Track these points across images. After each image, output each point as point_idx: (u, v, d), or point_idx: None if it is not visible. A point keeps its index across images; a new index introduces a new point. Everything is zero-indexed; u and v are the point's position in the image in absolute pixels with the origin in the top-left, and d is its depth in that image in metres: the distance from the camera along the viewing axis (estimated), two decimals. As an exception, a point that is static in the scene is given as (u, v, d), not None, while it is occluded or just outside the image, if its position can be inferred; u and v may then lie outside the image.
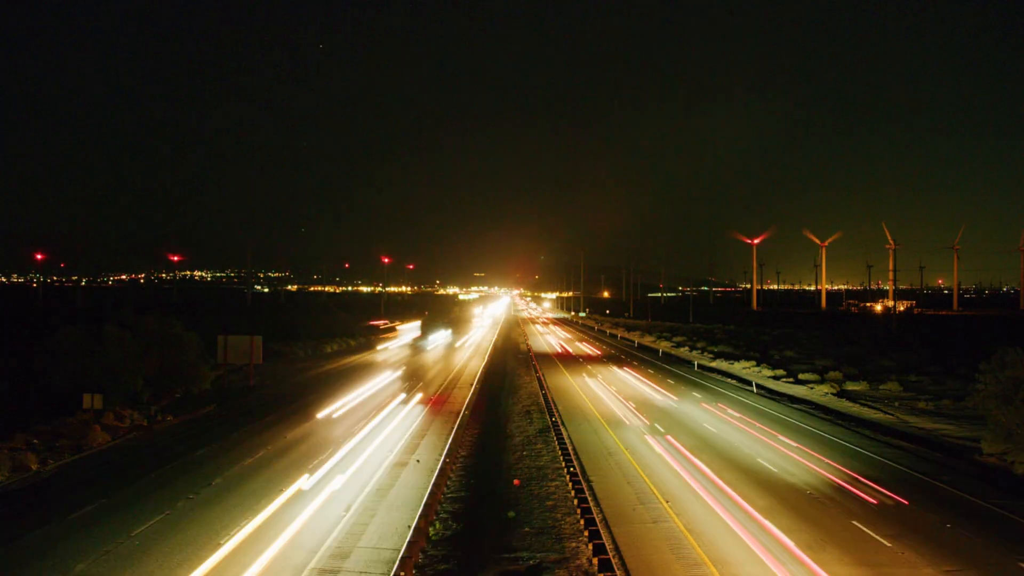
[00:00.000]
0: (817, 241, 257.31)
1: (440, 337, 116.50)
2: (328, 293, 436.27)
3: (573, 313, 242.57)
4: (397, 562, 22.16)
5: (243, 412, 49.57)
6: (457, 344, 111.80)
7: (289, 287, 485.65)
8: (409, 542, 23.83)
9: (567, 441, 40.71)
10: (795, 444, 41.23)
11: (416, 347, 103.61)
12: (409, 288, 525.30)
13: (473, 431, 44.81)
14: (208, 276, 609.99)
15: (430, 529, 26.20)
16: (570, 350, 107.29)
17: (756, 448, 40.02)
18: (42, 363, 47.09)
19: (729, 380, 73.32)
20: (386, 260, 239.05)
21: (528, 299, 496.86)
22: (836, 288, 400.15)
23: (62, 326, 49.08)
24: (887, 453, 39.54)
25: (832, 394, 61.70)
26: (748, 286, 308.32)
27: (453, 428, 43.23)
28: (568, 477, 33.08)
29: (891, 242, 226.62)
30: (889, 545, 24.94)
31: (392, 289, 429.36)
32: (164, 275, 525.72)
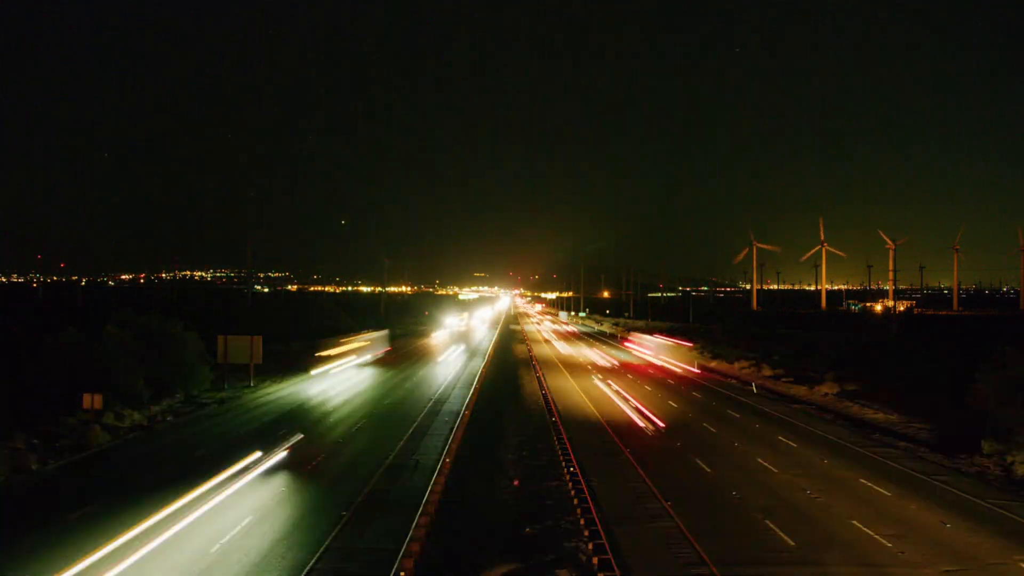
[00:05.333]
0: (822, 238, 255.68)
1: None
2: (328, 293, 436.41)
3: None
4: None
5: (243, 412, 49.57)
6: None
7: (289, 287, 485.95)
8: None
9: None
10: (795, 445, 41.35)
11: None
12: (409, 288, 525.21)
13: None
14: (208, 276, 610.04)
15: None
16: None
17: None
18: (42, 363, 47.07)
19: (729, 380, 73.36)
20: (386, 260, 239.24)
21: (528, 299, 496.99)
22: (836, 288, 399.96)
23: (62, 326, 49.09)
24: (888, 453, 39.60)
25: (832, 394, 61.69)
26: (748, 286, 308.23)
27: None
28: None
29: (890, 243, 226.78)
30: (890, 545, 25.00)
31: (392, 289, 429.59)
32: (164, 275, 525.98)
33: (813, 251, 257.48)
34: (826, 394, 62.02)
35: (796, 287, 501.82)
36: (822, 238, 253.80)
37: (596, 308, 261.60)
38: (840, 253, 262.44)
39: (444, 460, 34.80)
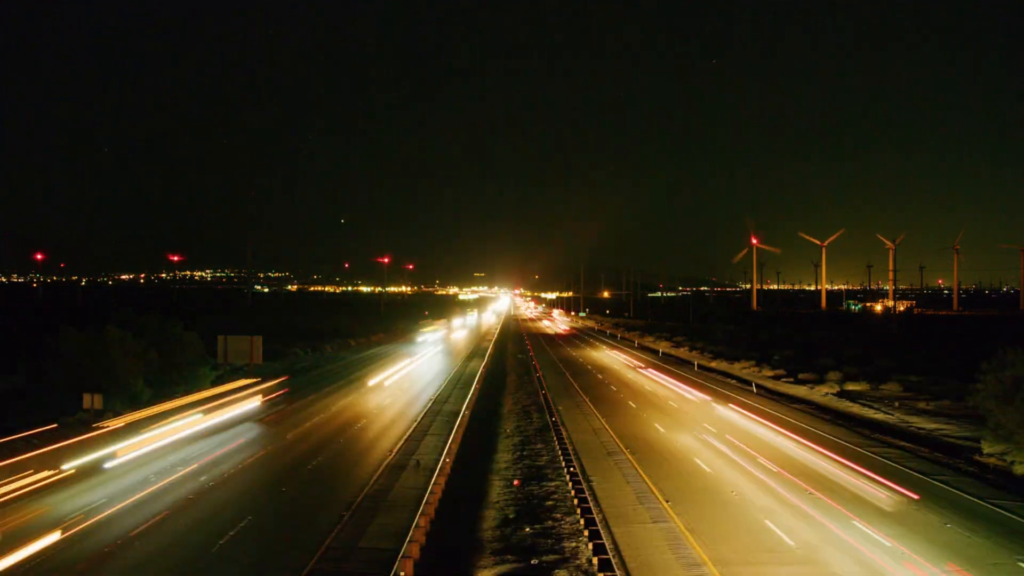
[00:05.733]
0: (817, 242, 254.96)
1: None
2: (328, 293, 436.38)
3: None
4: None
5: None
6: None
7: (289, 287, 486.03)
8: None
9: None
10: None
11: None
12: (409, 288, 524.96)
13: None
14: (208, 276, 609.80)
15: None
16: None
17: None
18: (42, 363, 47.07)
19: (729, 380, 73.36)
20: (386, 260, 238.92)
21: (528, 298, 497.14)
22: (836, 288, 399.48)
23: (62, 326, 49.08)
24: (888, 453, 39.57)
25: (832, 394, 61.68)
26: (748, 286, 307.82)
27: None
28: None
29: (890, 244, 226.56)
30: (890, 545, 25.01)
31: (392, 289, 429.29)
32: (164, 275, 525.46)
33: (821, 261, 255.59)
34: (826, 394, 61.98)
35: (796, 287, 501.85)
36: (819, 243, 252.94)
37: (596, 308, 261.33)
38: (839, 232, 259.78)
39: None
